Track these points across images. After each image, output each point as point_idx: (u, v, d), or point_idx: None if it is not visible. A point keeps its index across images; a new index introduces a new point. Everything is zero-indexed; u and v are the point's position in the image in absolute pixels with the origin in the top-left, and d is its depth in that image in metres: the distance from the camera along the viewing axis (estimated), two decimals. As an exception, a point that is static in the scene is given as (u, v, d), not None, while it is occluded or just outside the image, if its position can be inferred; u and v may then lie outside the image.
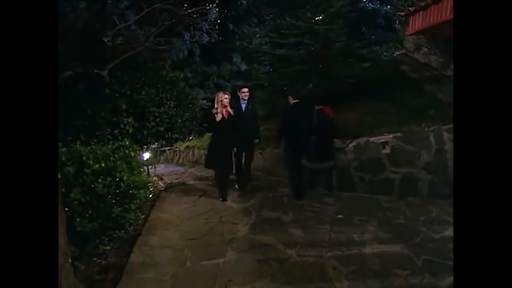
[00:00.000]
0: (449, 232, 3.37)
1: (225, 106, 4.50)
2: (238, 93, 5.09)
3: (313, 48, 5.61)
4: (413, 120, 4.88)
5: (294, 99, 4.66)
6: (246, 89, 5.09)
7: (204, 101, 9.59)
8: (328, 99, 5.98)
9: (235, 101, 4.95)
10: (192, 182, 6.30)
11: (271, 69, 7.20)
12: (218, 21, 9.63)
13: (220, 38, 9.65)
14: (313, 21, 5.84)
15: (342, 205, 4.28)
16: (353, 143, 4.76)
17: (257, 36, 8.00)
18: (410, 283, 2.51)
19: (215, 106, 4.53)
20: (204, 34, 9.85)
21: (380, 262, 2.80)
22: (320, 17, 6.07)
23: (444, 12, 3.40)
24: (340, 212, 4.03)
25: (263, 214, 4.05)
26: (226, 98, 4.50)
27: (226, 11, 9.93)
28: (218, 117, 4.48)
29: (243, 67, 10.09)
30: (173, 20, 4.53)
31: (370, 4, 10.16)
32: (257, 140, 5.23)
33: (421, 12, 3.80)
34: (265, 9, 7.08)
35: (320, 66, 5.71)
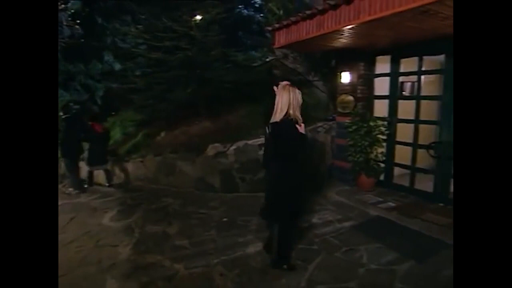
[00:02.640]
0: (316, 219, 3.99)
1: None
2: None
3: (190, 53, 5.59)
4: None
5: (64, 115, 5.60)
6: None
7: (71, 104, 8.30)
8: (208, 104, 6.14)
9: None
10: (59, 202, 5.40)
11: (149, 70, 6.79)
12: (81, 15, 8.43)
13: (84, 37, 8.50)
14: (189, 25, 5.80)
15: (227, 208, 4.49)
16: (234, 146, 5.04)
17: (129, 36, 7.37)
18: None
19: (283, 109, 2.67)
20: (65, 27, 8.50)
21: (261, 259, 3.08)
22: (197, 20, 6.05)
23: (301, 32, 3.91)
24: (225, 215, 4.22)
25: (146, 230, 3.85)
26: (300, 94, 2.80)
27: (89, 6, 8.73)
28: (303, 128, 2.73)
29: (117, 66, 9.09)
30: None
31: (245, 10, 10.77)
32: None
33: (284, 29, 4.25)
34: (136, 8, 6.60)
35: (198, 71, 5.75)
